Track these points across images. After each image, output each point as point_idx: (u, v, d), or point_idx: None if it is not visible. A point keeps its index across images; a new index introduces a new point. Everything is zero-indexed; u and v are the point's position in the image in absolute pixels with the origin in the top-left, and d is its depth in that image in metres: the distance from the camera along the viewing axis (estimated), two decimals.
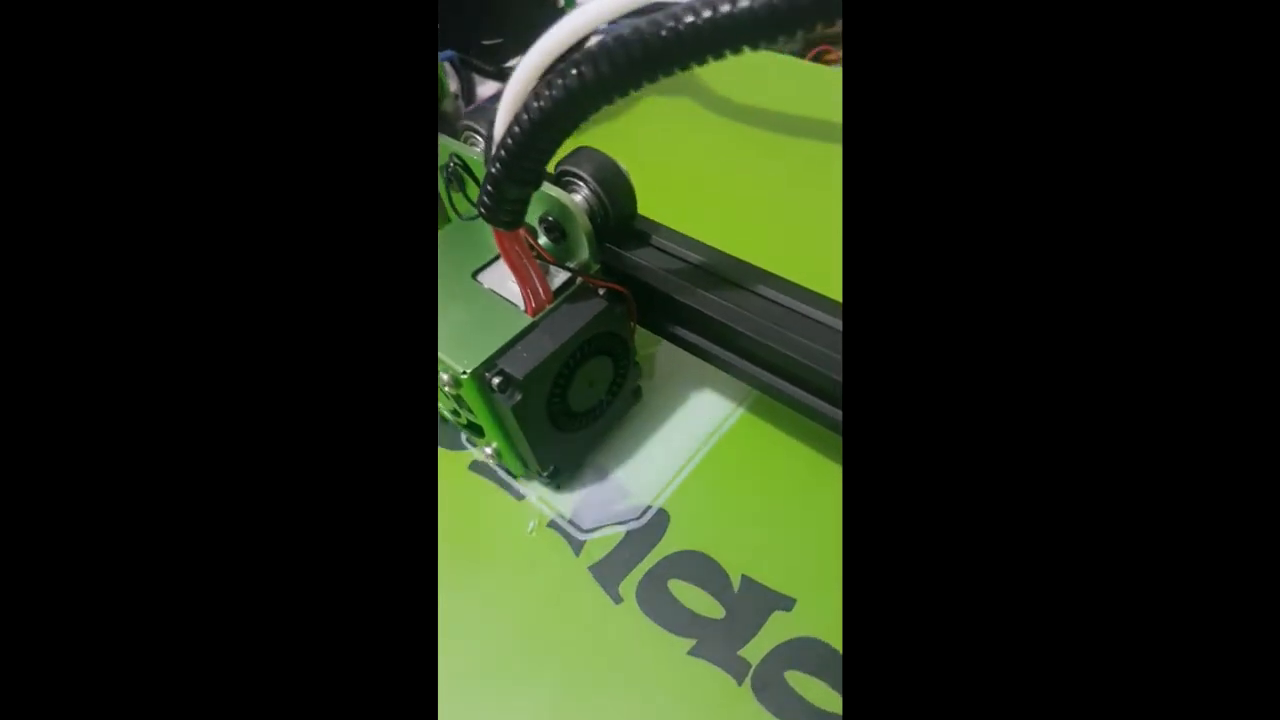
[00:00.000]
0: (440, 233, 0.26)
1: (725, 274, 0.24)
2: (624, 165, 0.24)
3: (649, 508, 0.26)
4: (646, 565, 0.25)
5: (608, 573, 0.25)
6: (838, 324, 0.22)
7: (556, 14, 0.46)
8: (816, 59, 0.52)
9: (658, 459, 0.27)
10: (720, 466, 0.27)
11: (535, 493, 0.27)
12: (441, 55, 0.43)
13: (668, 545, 0.25)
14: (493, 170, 0.20)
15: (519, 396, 0.22)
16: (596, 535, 0.26)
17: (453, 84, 0.45)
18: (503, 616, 0.24)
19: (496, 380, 0.22)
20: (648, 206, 0.26)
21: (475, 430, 0.25)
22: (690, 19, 0.14)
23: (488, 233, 0.23)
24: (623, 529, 0.26)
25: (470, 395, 0.23)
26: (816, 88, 0.44)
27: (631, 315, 0.25)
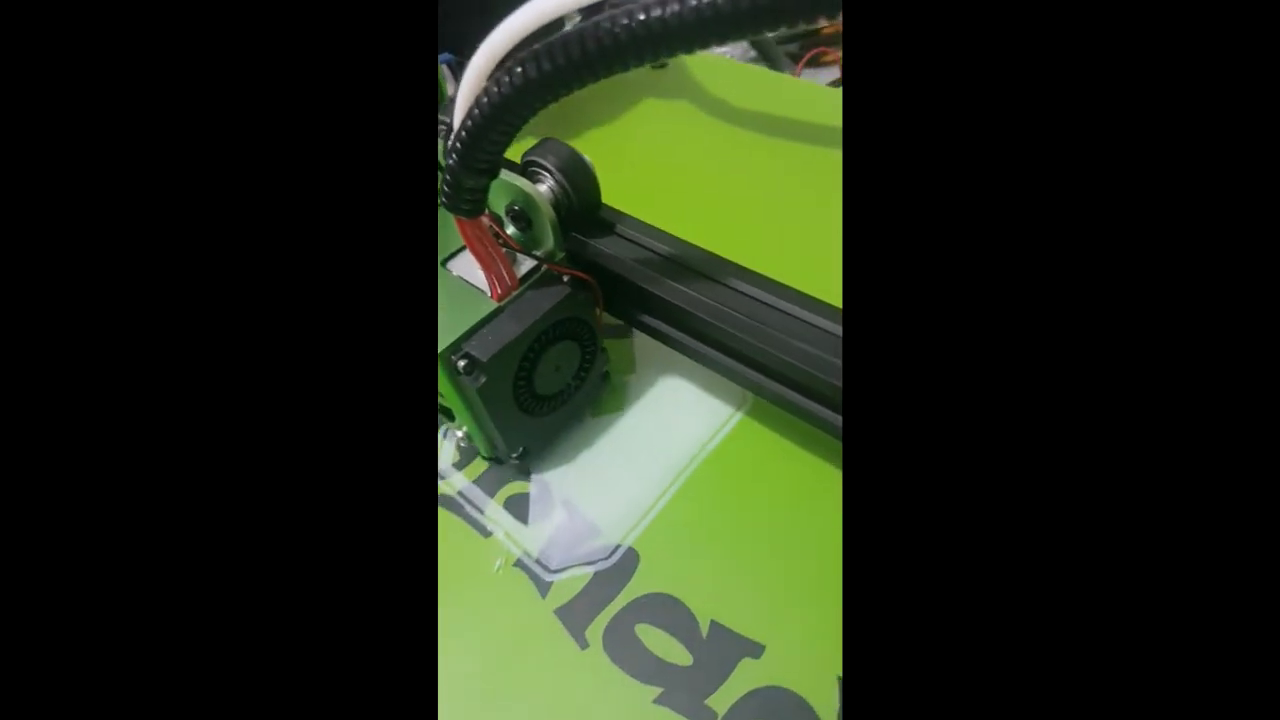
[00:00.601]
0: None
1: (687, 262, 0.25)
2: (588, 156, 0.25)
3: (618, 547, 0.26)
4: (614, 609, 0.24)
5: (574, 616, 0.24)
6: (798, 310, 0.22)
7: (556, 21, 0.47)
8: (813, 61, 0.53)
9: (629, 492, 0.27)
10: (691, 503, 0.27)
11: (502, 529, 0.27)
12: (439, 58, 0.44)
13: (636, 587, 0.25)
14: (450, 160, 0.20)
15: (484, 379, 0.23)
16: (564, 576, 0.25)
17: (451, 87, 0.46)
18: (466, 658, 0.24)
19: (462, 363, 0.23)
20: (641, 206, 0.26)
21: (446, 414, 0.26)
22: (641, 17, 0.15)
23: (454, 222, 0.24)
24: (591, 569, 0.25)
25: (439, 378, 0.24)
26: (814, 102, 0.44)
27: (597, 302, 0.26)
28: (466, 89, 0.20)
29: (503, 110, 0.19)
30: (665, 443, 0.28)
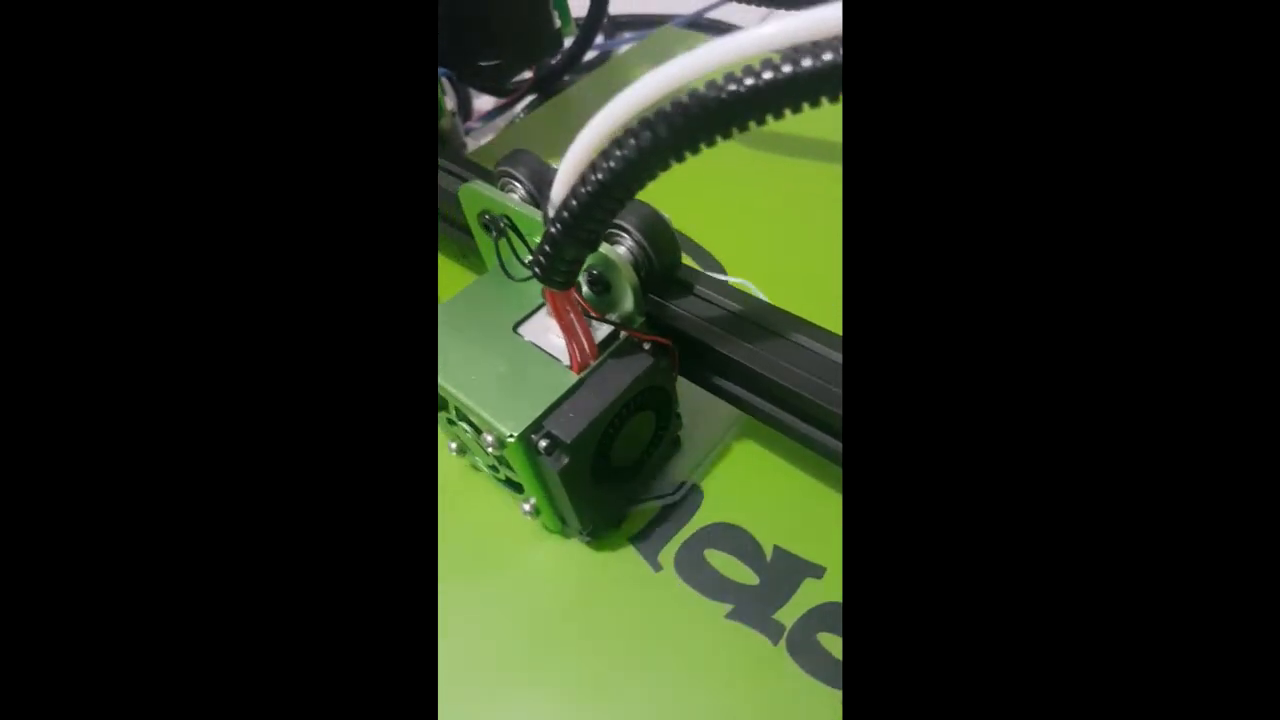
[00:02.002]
0: (478, 281, 0.25)
1: (768, 325, 0.23)
2: (667, 215, 0.24)
3: (684, 484, 0.27)
4: (683, 536, 0.26)
5: (647, 543, 0.26)
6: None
7: (554, 37, 0.45)
8: None
9: (692, 438, 0.28)
10: (751, 443, 0.28)
11: None
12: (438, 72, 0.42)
13: (702, 518, 0.26)
14: (553, 231, 0.19)
15: (566, 459, 0.21)
16: (635, 509, 0.27)
17: (450, 101, 0.44)
18: (557, 580, 0.25)
19: (544, 443, 0.21)
20: None
21: (515, 487, 0.25)
22: (750, 82, 0.14)
23: (526, 284, 0.22)
24: (659, 503, 0.27)
25: (515, 457, 0.22)
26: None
27: (674, 367, 0.24)
28: (573, 161, 0.18)
29: (620, 179, 0.17)
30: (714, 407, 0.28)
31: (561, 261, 0.19)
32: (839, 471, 0.26)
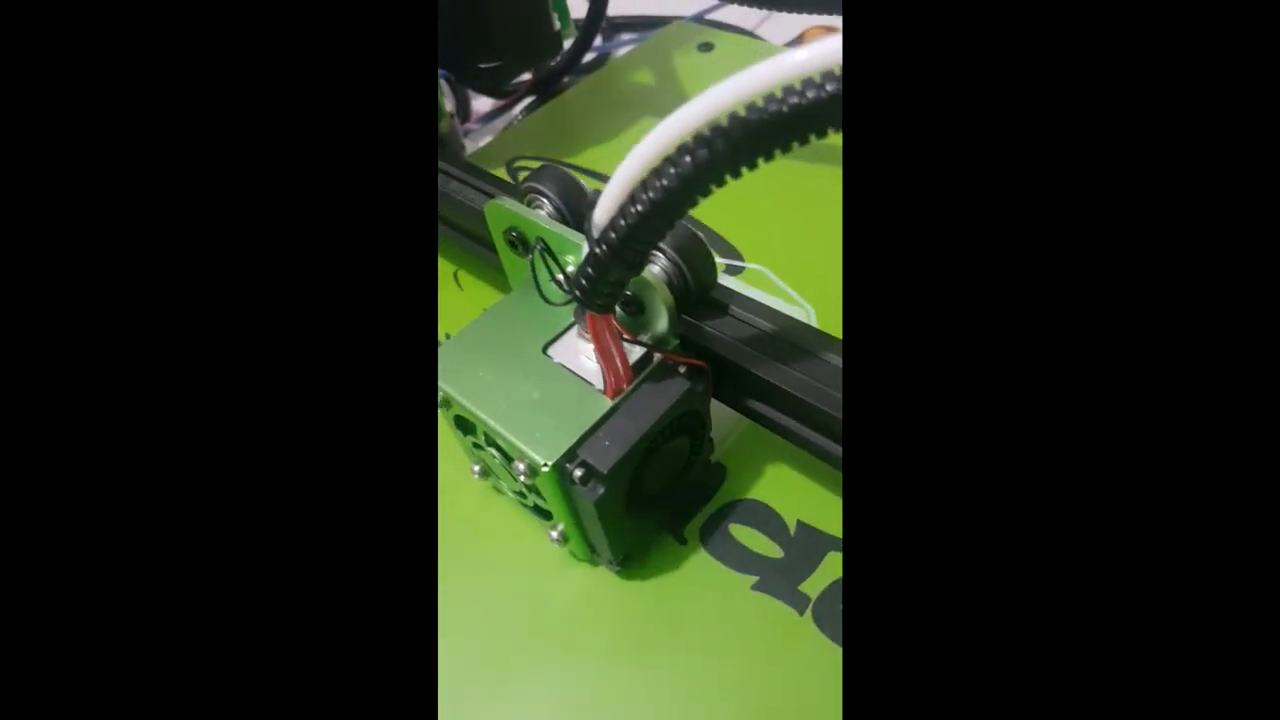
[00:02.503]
0: (505, 300, 0.24)
1: (804, 345, 0.23)
2: (703, 235, 0.23)
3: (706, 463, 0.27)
4: (707, 512, 0.26)
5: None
6: None
7: (553, 39, 0.44)
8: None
9: (715, 416, 0.27)
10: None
11: None
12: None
13: (726, 495, 0.26)
14: (598, 252, 0.18)
15: (602, 490, 0.20)
16: None
17: (449, 103, 0.43)
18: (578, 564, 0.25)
19: (579, 473, 0.20)
20: None
21: (542, 514, 0.24)
22: (795, 100, 0.14)
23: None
24: None
25: (548, 487, 0.21)
26: None
27: (708, 390, 0.23)
28: (621, 181, 0.17)
29: (671, 198, 0.16)
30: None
31: (605, 284, 0.18)
32: None
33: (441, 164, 0.32)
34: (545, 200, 0.23)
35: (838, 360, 0.22)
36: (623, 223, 0.17)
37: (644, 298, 0.22)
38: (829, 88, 0.13)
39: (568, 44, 0.48)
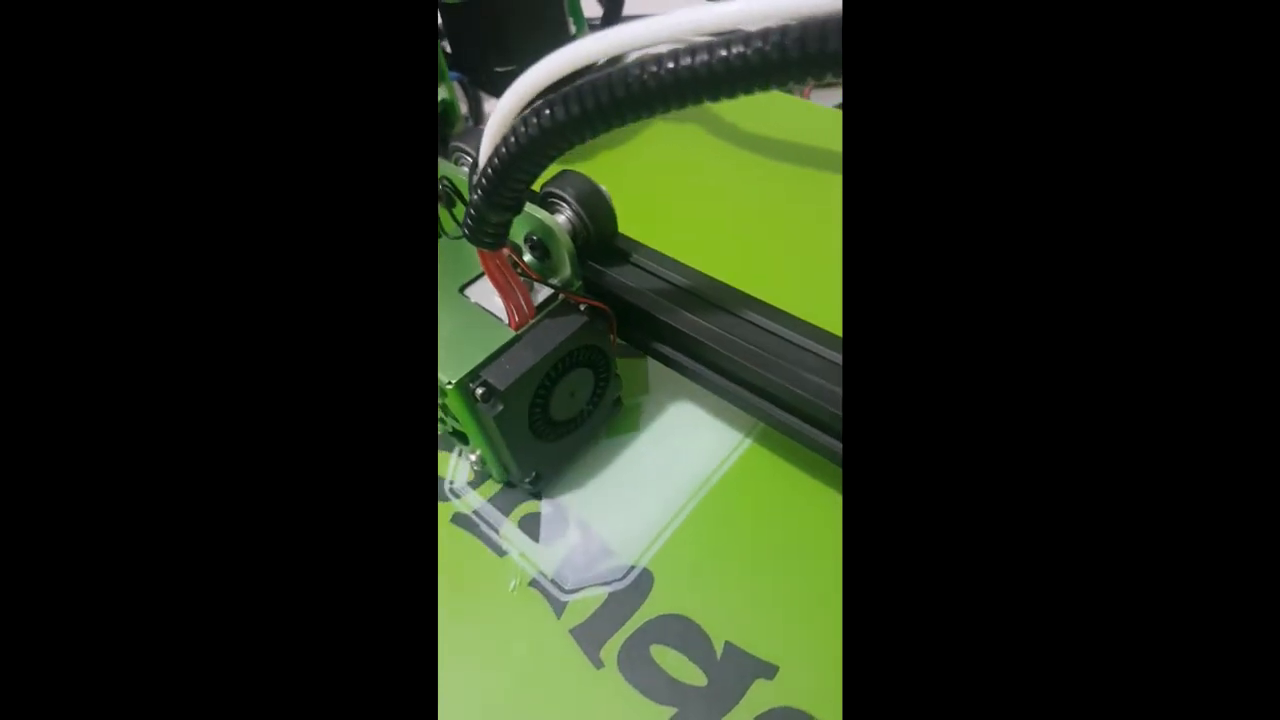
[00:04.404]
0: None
1: (699, 292, 0.25)
2: (605, 187, 0.26)
3: (633, 568, 0.26)
4: (629, 630, 0.25)
5: (589, 636, 0.25)
6: (806, 341, 0.23)
7: (569, 43, 0.48)
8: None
9: (644, 513, 0.27)
10: (706, 524, 0.27)
11: (517, 549, 0.27)
12: (450, 76, 0.44)
13: (651, 608, 0.25)
14: (475, 196, 0.21)
15: (501, 407, 0.23)
16: (579, 596, 0.26)
17: (463, 106, 0.47)
18: (482, 675, 0.24)
19: (480, 391, 0.23)
20: (646, 230, 0.27)
21: (460, 438, 0.27)
22: (670, 65, 0.15)
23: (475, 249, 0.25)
24: (605, 590, 0.26)
25: (455, 405, 0.24)
26: (820, 124, 0.45)
27: (611, 330, 0.26)
28: (494, 127, 0.20)
29: (529, 150, 0.19)
30: (678, 464, 0.29)
31: (487, 224, 0.22)
32: (798, 560, 0.26)
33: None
34: (467, 156, 0.27)
35: (731, 305, 0.25)
36: (489, 170, 0.20)
37: (548, 244, 0.25)
38: (720, 52, 0.14)
39: None
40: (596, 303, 0.25)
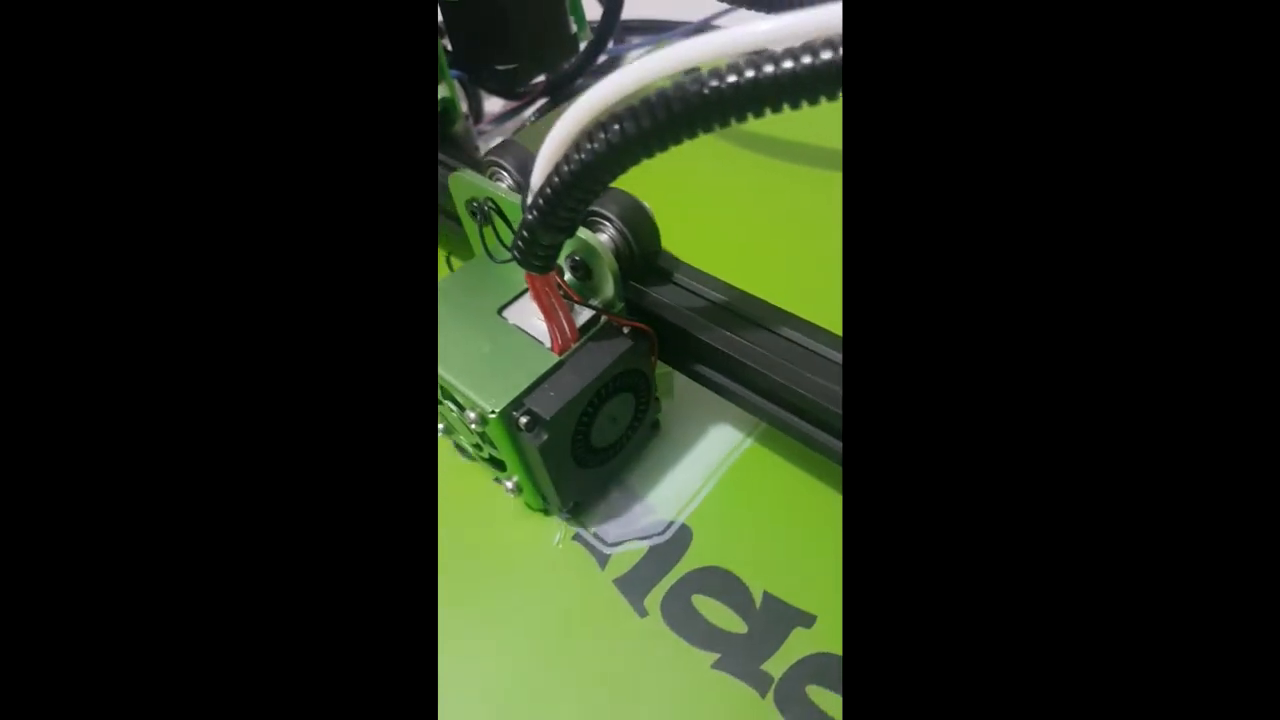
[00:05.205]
0: (466, 266, 0.27)
1: (744, 312, 0.24)
2: (648, 204, 0.25)
3: (672, 523, 0.27)
4: (670, 580, 0.25)
5: (632, 586, 0.25)
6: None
7: (570, 42, 0.47)
8: None
9: (681, 475, 0.28)
10: (741, 483, 0.28)
11: None
12: (451, 74, 0.43)
13: (691, 561, 0.26)
14: (529, 217, 0.20)
15: (545, 436, 0.22)
16: (621, 550, 0.26)
17: (463, 105, 0.45)
18: (532, 627, 0.25)
19: (524, 420, 0.22)
20: (670, 236, 0.26)
21: (497, 465, 0.26)
22: (732, 79, 0.14)
23: (512, 268, 0.23)
24: (646, 544, 0.26)
25: (497, 434, 0.23)
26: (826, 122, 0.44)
27: (653, 351, 0.25)
28: (550, 149, 0.19)
29: (594, 168, 0.18)
30: (714, 428, 0.29)
31: (539, 246, 0.20)
32: (833, 514, 0.26)
33: (445, 159, 0.34)
34: (505, 173, 0.25)
35: (775, 325, 0.24)
36: (548, 190, 0.19)
37: (591, 263, 0.24)
38: (767, 69, 0.14)
39: (582, 47, 0.50)
40: (639, 324, 0.24)
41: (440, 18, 0.43)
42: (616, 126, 0.17)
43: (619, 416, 0.25)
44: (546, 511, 0.27)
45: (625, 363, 0.24)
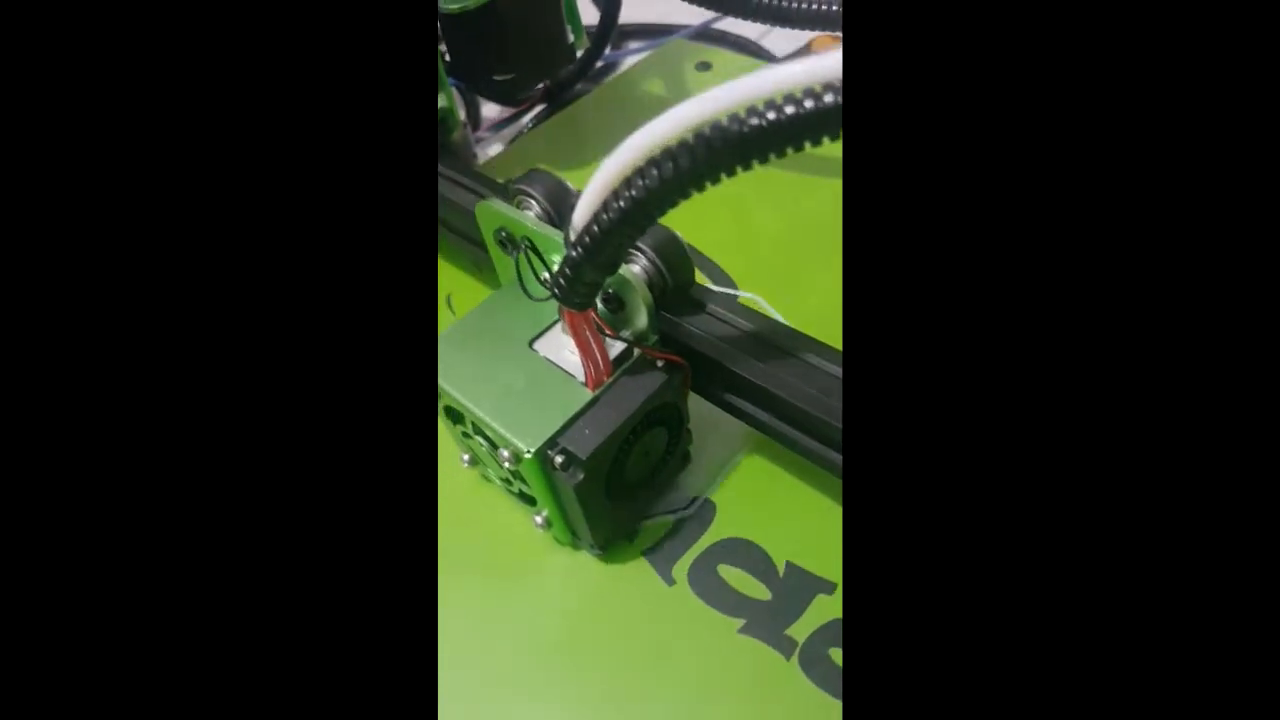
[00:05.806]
0: (493, 296, 0.26)
1: (778, 342, 0.24)
2: (679, 232, 0.24)
3: (697, 499, 0.27)
4: (696, 551, 0.26)
5: (661, 556, 0.26)
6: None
7: (568, 50, 0.46)
8: None
9: (706, 454, 0.28)
10: (764, 461, 0.28)
11: None
12: (450, 83, 0.42)
13: (716, 533, 0.26)
14: (574, 254, 0.19)
15: (581, 475, 0.22)
16: (648, 522, 0.27)
17: (461, 113, 0.44)
18: (566, 595, 0.26)
19: (560, 459, 0.21)
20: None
21: (527, 500, 0.25)
22: (772, 115, 0.14)
23: (543, 301, 0.23)
24: (672, 517, 0.27)
25: (531, 473, 0.22)
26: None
27: (686, 384, 0.25)
28: (598, 186, 0.18)
29: (645, 204, 0.18)
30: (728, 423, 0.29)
31: (581, 284, 0.20)
32: None
33: (454, 174, 0.34)
34: (533, 201, 0.25)
35: (808, 355, 0.23)
36: (596, 227, 0.18)
37: (624, 295, 0.23)
38: (808, 104, 0.14)
39: (579, 54, 0.49)
40: (673, 357, 0.24)
41: (438, 28, 0.42)
42: (658, 168, 0.16)
43: (652, 450, 0.25)
44: (576, 547, 0.26)
45: (660, 397, 0.23)
